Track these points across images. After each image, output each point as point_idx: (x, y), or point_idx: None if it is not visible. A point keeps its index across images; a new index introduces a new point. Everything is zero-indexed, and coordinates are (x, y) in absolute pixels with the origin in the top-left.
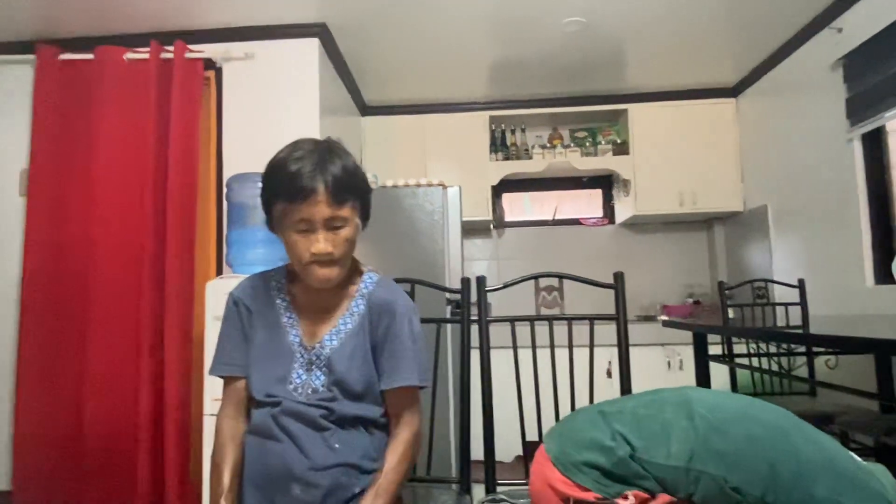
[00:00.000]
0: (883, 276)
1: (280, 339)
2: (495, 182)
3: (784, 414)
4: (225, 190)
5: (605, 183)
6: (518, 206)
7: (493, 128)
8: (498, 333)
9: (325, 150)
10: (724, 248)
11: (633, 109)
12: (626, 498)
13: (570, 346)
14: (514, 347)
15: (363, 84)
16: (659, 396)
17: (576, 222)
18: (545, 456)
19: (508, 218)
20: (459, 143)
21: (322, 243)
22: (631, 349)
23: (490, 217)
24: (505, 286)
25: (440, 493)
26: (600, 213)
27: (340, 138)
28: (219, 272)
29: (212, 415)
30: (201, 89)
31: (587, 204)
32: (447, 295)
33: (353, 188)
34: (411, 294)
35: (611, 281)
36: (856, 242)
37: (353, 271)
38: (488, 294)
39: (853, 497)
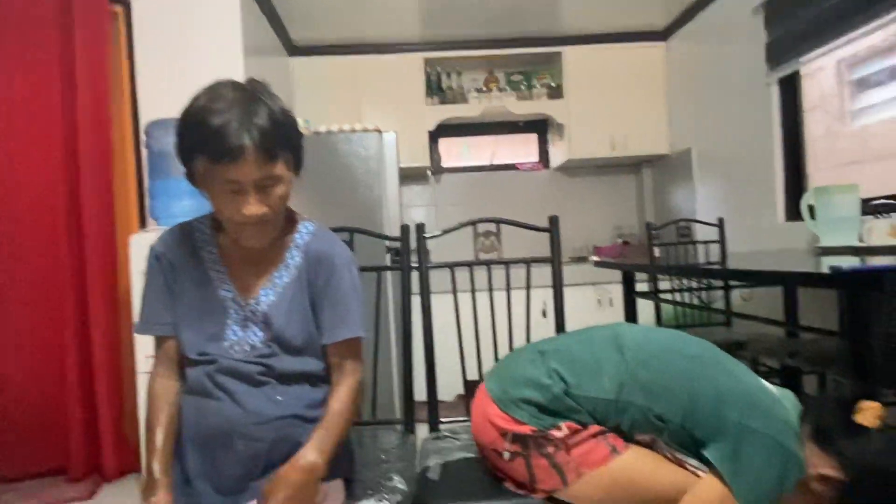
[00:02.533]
0: (793, 213)
1: (210, 295)
2: (432, 127)
3: (705, 347)
4: (143, 137)
5: (541, 127)
6: (456, 151)
7: (429, 71)
8: (438, 279)
9: (249, 99)
10: (652, 191)
11: (567, 52)
12: (559, 429)
13: (508, 290)
14: (454, 292)
15: (290, 22)
16: (592, 334)
17: (512, 167)
18: (486, 394)
19: (446, 164)
20: (394, 87)
21: (254, 205)
22: (564, 289)
23: (427, 163)
24: (444, 233)
25: (385, 434)
26: (536, 158)
27: (266, 80)
28: (142, 225)
29: (145, 373)
30: (109, 26)
31: (523, 149)
32: (387, 243)
33: (283, 140)
34: (350, 243)
35: (546, 225)
36: (770, 183)
37: (288, 221)
38: (428, 241)
39: (760, 421)
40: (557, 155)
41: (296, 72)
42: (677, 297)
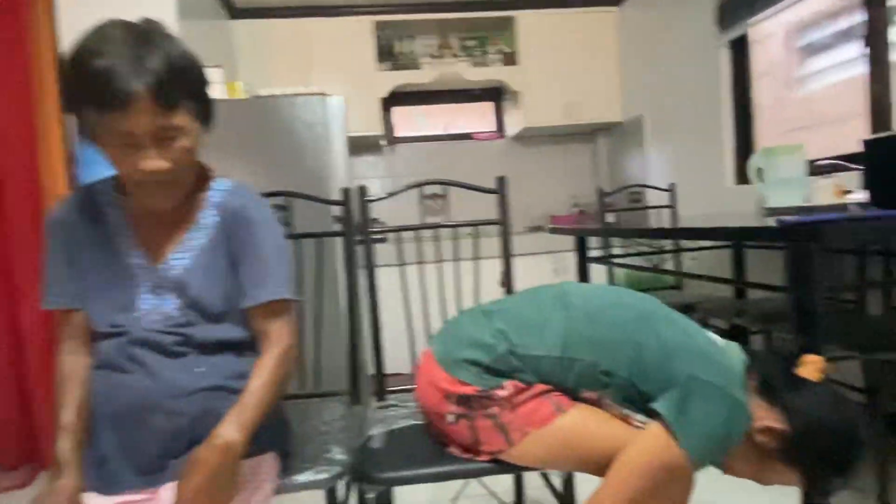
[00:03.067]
0: (743, 177)
1: (118, 263)
2: (384, 94)
3: (651, 301)
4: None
5: (496, 96)
6: (411, 121)
7: (380, 35)
8: (388, 251)
9: (141, 40)
10: (607, 159)
11: (521, 17)
12: (503, 388)
13: (456, 252)
14: (400, 259)
15: None
16: (539, 293)
17: (468, 137)
18: (430, 356)
19: (401, 133)
20: (344, 52)
21: (154, 160)
22: (522, 259)
23: (381, 132)
24: (389, 195)
25: (331, 406)
26: (492, 127)
27: (205, 45)
28: None
29: None
30: None
31: (479, 118)
32: (334, 211)
33: (184, 85)
34: (289, 210)
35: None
36: (720, 147)
37: (199, 179)
38: (375, 207)
39: (707, 371)
40: (513, 123)
41: (238, 36)
42: (630, 262)
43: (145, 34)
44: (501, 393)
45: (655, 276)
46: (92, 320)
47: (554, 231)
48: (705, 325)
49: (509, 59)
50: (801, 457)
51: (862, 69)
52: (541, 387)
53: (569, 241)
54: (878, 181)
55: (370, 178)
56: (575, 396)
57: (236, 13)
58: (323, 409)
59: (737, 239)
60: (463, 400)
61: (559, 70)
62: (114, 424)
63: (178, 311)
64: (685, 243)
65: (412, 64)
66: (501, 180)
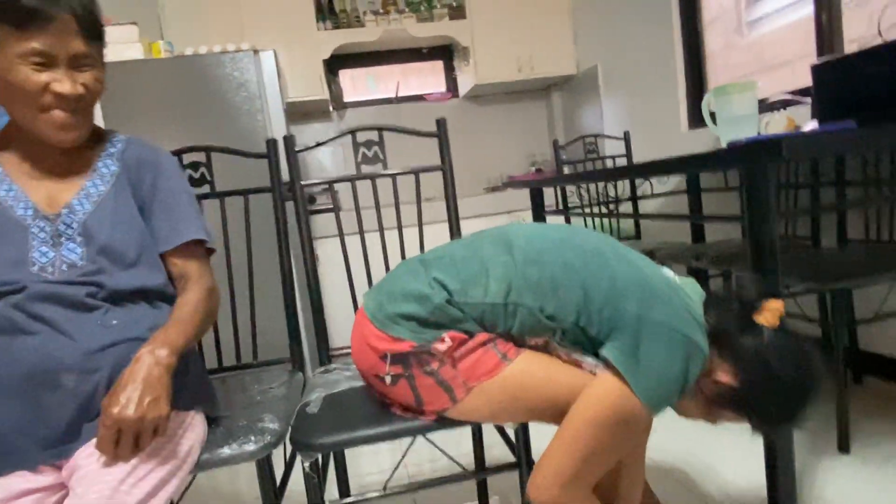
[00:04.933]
0: (695, 121)
1: (3, 217)
2: (327, 55)
3: (602, 238)
4: None
5: (447, 55)
6: (361, 85)
7: None
8: (329, 220)
9: None
10: (562, 115)
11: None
12: (442, 341)
13: (397, 200)
14: (342, 224)
15: None
16: (481, 237)
17: (420, 98)
18: (363, 314)
19: (350, 98)
20: (281, 11)
21: (69, 83)
22: (480, 219)
23: (326, 96)
24: (318, 144)
25: (270, 375)
26: (444, 88)
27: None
28: None
29: None
30: None
31: (431, 79)
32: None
33: (98, 23)
34: (208, 165)
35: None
36: (673, 93)
37: (96, 135)
38: (303, 157)
39: (661, 310)
40: (465, 82)
41: None
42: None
43: None
44: (440, 347)
45: (614, 226)
46: None
47: (508, 185)
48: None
49: (457, 14)
50: (749, 409)
51: (810, 10)
52: (483, 336)
53: (527, 199)
54: (825, 100)
55: (319, 147)
56: (521, 344)
57: None
58: (260, 379)
59: (691, 170)
60: (399, 358)
61: (510, 23)
62: (14, 395)
63: (84, 259)
64: (643, 192)
65: (355, 22)
66: (441, 123)
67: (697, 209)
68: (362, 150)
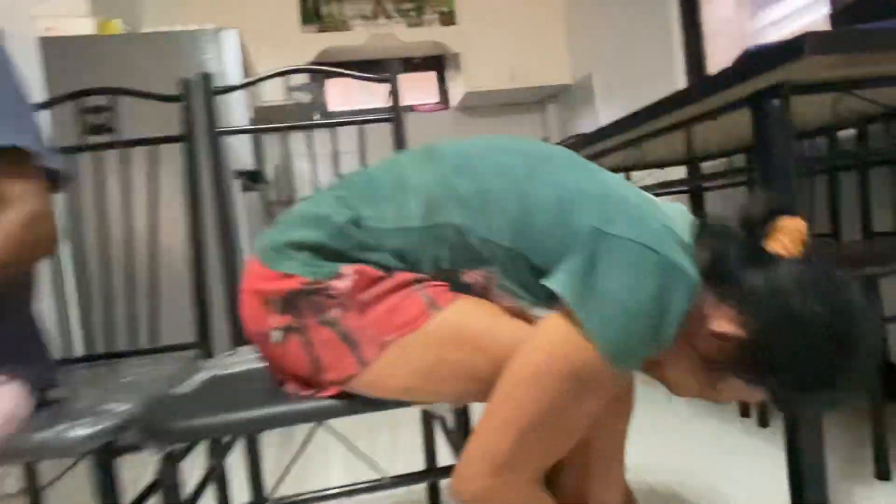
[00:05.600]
0: None
1: None
2: (310, 58)
3: (556, 148)
4: None
5: (438, 65)
6: (349, 96)
7: None
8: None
9: None
10: (557, 128)
11: None
12: (341, 277)
13: (336, 153)
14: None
15: None
16: (401, 153)
17: (410, 109)
18: (251, 258)
19: (337, 108)
20: (264, 12)
21: None
22: None
23: (307, 100)
24: (250, 82)
25: (169, 361)
26: (436, 99)
27: None
28: None
29: None
30: None
31: (422, 89)
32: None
33: None
34: (113, 109)
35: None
36: None
37: None
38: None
39: (627, 223)
40: (456, 91)
41: None
42: None
43: None
44: (340, 284)
45: None
46: None
47: None
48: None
49: (447, 20)
50: (766, 369)
51: (815, 17)
52: (405, 275)
53: None
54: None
55: (304, 156)
56: (456, 284)
57: None
58: (144, 365)
59: (689, 96)
60: (288, 302)
61: (502, 30)
62: None
63: None
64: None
65: (342, 26)
66: (391, 64)
67: (699, 205)
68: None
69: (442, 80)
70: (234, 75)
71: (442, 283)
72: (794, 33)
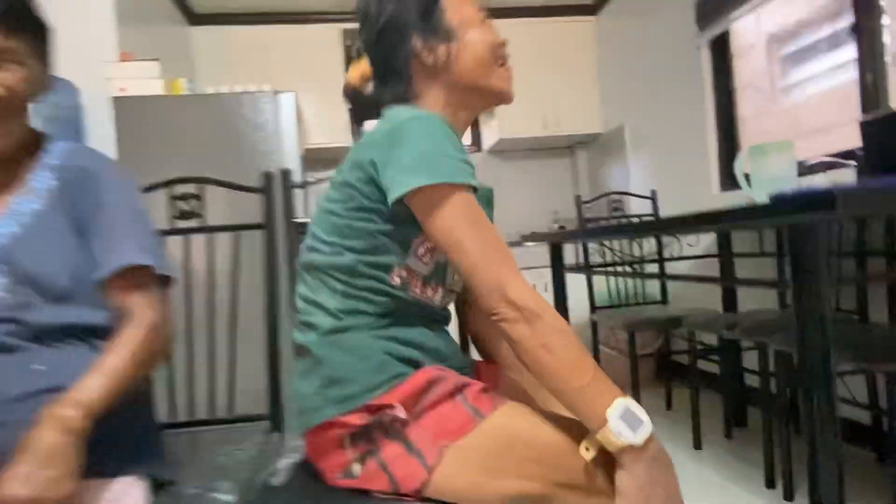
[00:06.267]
0: (728, 182)
1: None
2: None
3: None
4: None
5: None
6: None
7: (349, 44)
8: None
9: None
10: (587, 173)
11: (497, 26)
12: (390, 402)
13: None
14: None
15: None
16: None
17: None
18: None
19: None
20: (310, 61)
21: None
22: None
23: (350, 144)
24: (318, 181)
25: (246, 434)
26: (468, 141)
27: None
28: None
29: None
30: None
31: None
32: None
33: (31, 18)
34: (198, 198)
35: None
36: (703, 154)
37: (31, 142)
38: (304, 191)
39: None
40: (490, 136)
41: (197, 43)
42: (611, 277)
43: None
44: (394, 405)
45: (639, 289)
46: None
47: (528, 238)
48: (692, 341)
49: None
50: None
51: (847, 77)
52: (445, 386)
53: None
54: (875, 156)
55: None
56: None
57: (196, 19)
58: (230, 438)
59: (725, 224)
60: (357, 435)
61: (537, 80)
62: None
63: (6, 290)
64: (670, 254)
65: None
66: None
67: (730, 274)
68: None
69: (475, 124)
70: (289, 133)
71: (481, 389)
72: (823, 94)
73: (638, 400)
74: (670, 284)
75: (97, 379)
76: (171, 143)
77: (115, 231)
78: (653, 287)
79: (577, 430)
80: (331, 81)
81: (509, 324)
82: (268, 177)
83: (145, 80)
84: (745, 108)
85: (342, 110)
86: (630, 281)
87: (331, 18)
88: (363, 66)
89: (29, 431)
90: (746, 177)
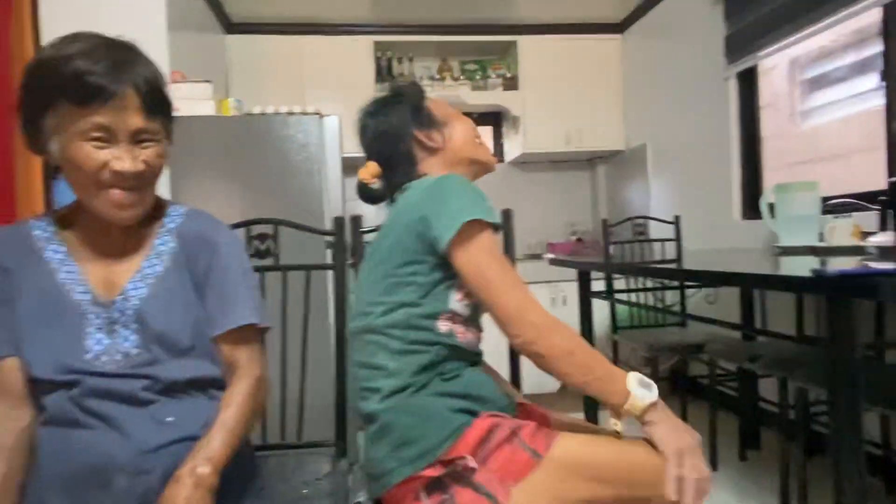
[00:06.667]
0: (749, 211)
1: (60, 301)
2: None
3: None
4: None
5: (496, 120)
6: None
7: (379, 55)
8: None
9: (124, 47)
10: (606, 187)
11: (523, 42)
12: (457, 452)
13: None
14: None
15: None
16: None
17: None
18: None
19: None
20: (342, 71)
21: (129, 160)
22: None
23: None
24: (376, 229)
25: (314, 460)
26: (490, 152)
27: (197, 58)
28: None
29: None
30: None
31: None
32: (326, 239)
33: (164, 99)
34: (274, 238)
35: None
36: (726, 180)
37: (153, 206)
38: (366, 235)
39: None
40: (512, 149)
41: (232, 51)
42: (633, 297)
43: (126, 46)
44: (462, 453)
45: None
46: (31, 368)
47: (555, 263)
48: (713, 366)
49: (510, 84)
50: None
51: (869, 104)
52: (502, 433)
53: (566, 270)
54: None
55: (362, 203)
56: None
57: (231, 28)
58: (305, 463)
59: (763, 287)
60: (432, 485)
61: (561, 96)
62: (66, 490)
63: (138, 348)
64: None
65: None
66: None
67: (750, 304)
68: None
69: (497, 135)
70: (333, 153)
71: (533, 428)
72: (844, 120)
73: None
74: (693, 305)
75: (220, 435)
76: (219, 162)
77: (228, 290)
78: (674, 306)
79: (618, 438)
80: (361, 91)
81: (534, 342)
82: (338, 221)
83: (198, 101)
84: (764, 128)
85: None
86: (650, 301)
87: (363, 31)
88: (371, 167)
89: (168, 486)
90: (770, 207)
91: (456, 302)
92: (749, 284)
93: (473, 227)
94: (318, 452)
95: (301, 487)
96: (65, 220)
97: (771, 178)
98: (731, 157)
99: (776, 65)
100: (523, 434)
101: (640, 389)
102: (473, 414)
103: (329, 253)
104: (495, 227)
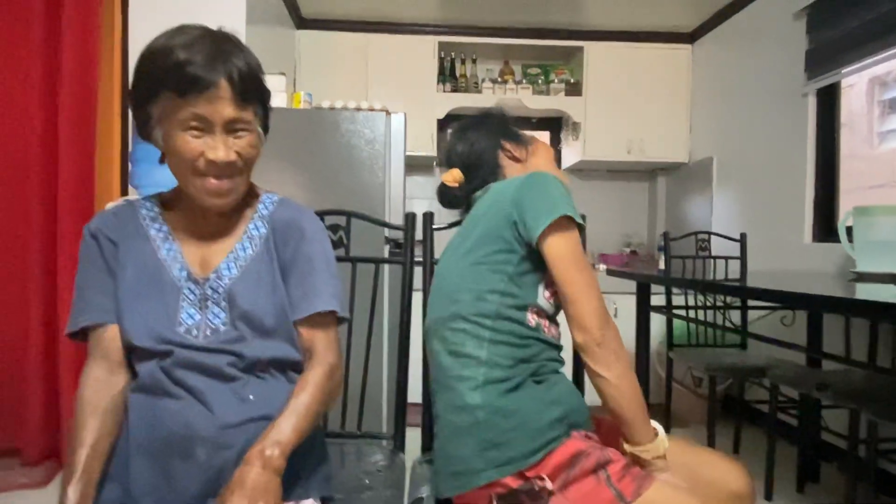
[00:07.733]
0: (822, 233)
1: (160, 275)
2: (441, 115)
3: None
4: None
5: (555, 125)
6: None
7: (443, 55)
8: None
9: (223, 39)
10: (665, 200)
11: (589, 48)
12: (536, 466)
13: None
14: None
15: None
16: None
17: None
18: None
19: None
20: (405, 69)
21: (223, 150)
22: None
23: (434, 153)
24: (453, 224)
25: (371, 451)
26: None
27: (270, 51)
28: (123, 194)
29: None
30: None
31: None
32: (386, 233)
33: (258, 88)
34: (346, 229)
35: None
36: (798, 199)
37: (249, 194)
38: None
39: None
40: (570, 155)
41: (302, 45)
42: (692, 313)
43: (226, 37)
44: (543, 477)
45: (718, 332)
46: (128, 336)
47: (613, 273)
48: (775, 391)
49: (572, 90)
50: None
51: None
52: (589, 461)
53: (620, 282)
54: None
55: (419, 199)
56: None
57: (303, 23)
58: (363, 453)
59: (840, 312)
60: (505, 499)
61: (625, 104)
62: (151, 456)
63: (226, 325)
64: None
65: (472, 87)
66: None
67: (818, 328)
68: None
69: (556, 140)
70: (398, 150)
71: (623, 466)
72: None
73: (712, 438)
74: (773, 330)
75: (291, 419)
76: (291, 155)
77: (312, 277)
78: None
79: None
80: (423, 90)
81: (598, 355)
82: (409, 217)
83: (274, 94)
84: (845, 146)
85: (430, 120)
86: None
87: (428, 30)
88: (455, 173)
89: (238, 468)
90: (848, 231)
91: (543, 298)
92: (821, 308)
93: (566, 222)
94: (374, 444)
95: (363, 477)
96: (168, 202)
97: (845, 200)
98: (805, 176)
99: (855, 83)
100: (611, 470)
101: (663, 432)
102: (566, 431)
103: (387, 248)
104: (581, 230)
